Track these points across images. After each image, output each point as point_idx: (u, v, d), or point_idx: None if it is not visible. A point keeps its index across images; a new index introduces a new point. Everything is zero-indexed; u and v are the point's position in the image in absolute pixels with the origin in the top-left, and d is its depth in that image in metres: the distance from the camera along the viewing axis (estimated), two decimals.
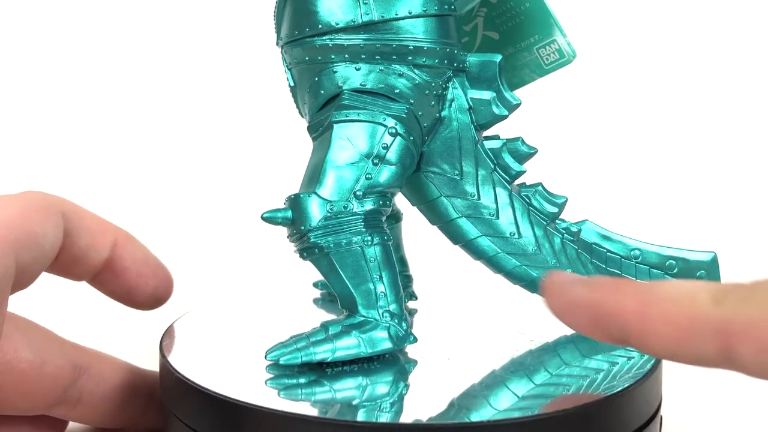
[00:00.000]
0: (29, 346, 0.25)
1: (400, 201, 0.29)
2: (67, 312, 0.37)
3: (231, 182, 0.59)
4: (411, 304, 0.31)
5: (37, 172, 0.59)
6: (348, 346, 0.24)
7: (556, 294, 0.21)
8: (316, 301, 0.32)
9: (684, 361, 0.18)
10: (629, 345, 0.19)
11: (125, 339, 0.35)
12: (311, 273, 0.31)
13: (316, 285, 0.33)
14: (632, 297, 0.19)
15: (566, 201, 0.28)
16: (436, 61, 0.25)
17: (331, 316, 0.30)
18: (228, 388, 0.23)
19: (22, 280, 0.25)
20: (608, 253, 0.28)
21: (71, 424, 0.28)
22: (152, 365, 0.29)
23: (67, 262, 0.27)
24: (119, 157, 0.61)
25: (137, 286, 0.29)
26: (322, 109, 0.26)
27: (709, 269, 0.27)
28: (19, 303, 0.26)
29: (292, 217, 0.25)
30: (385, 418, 0.22)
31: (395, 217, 0.30)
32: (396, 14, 0.25)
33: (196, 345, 0.27)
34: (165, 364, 0.26)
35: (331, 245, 0.25)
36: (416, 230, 0.32)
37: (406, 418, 0.22)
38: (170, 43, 0.62)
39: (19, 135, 0.61)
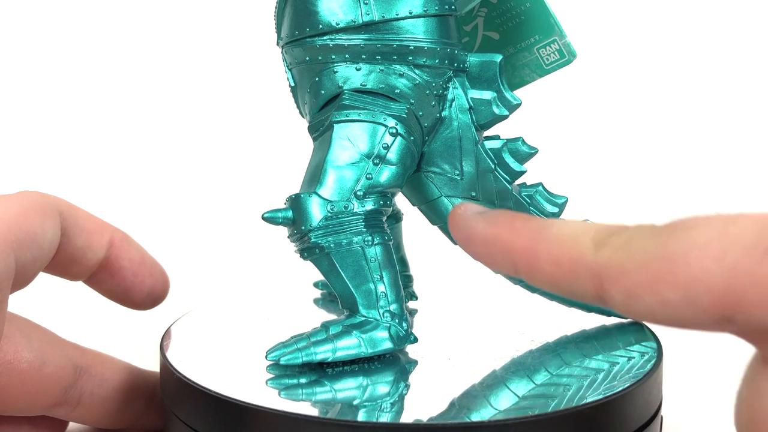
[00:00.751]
0: (30, 347, 0.25)
1: (401, 201, 0.29)
2: (68, 312, 0.37)
3: (231, 182, 0.59)
4: (411, 304, 0.31)
5: (33, 171, 0.59)
6: (349, 346, 0.24)
7: (460, 226, 0.23)
8: (316, 301, 0.32)
9: (565, 295, 0.20)
10: (520, 277, 0.21)
11: (126, 339, 0.35)
12: (311, 273, 0.31)
13: (316, 285, 0.33)
14: (524, 234, 0.21)
15: (567, 201, 0.28)
16: (437, 61, 0.25)
17: (332, 316, 0.30)
18: (229, 388, 0.23)
19: (21, 279, 0.25)
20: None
21: (71, 425, 0.28)
22: (153, 366, 0.29)
23: (64, 261, 0.27)
24: (118, 157, 0.61)
25: (133, 285, 0.29)
26: (323, 109, 0.26)
27: None
28: (19, 303, 0.26)
29: (293, 217, 0.25)
30: (385, 418, 0.22)
31: (395, 217, 0.30)
32: (397, 14, 0.25)
33: (196, 345, 0.27)
34: (166, 365, 0.26)
35: (332, 245, 0.25)
36: (416, 230, 0.32)
37: (406, 418, 0.22)
38: (170, 42, 0.62)
39: (15, 135, 0.61)
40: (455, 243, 0.28)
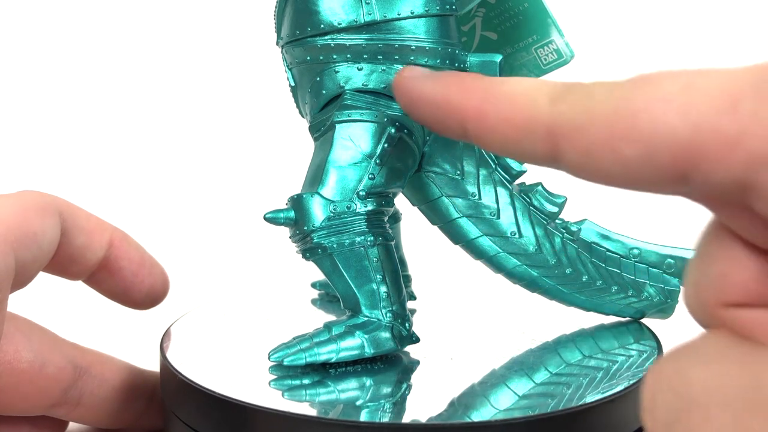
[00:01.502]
0: (30, 347, 0.25)
1: (400, 201, 0.29)
2: (68, 312, 0.37)
3: (232, 183, 0.59)
4: (410, 305, 0.31)
5: (32, 171, 0.59)
6: (352, 346, 0.24)
7: (405, 88, 0.22)
8: (314, 301, 0.32)
9: (516, 158, 0.19)
10: (468, 140, 0.20)
11: (126, 339, 0.35)
12: (311, 273, 0.31)
13: (314, 285, 0.33)
14: (474, 93, 0.20)
15: (566, 200, 0.28)
16: (438, 61, 0.25)
17: (331, 316, 0.30)
18: (230, 388, 0.23)
19: (21, 279, 0.25)
20: (607, 252, 0.28)
21: (71, 424, 0.28)
22: (153, 366, 0.29)
23: (63, 261, 0.27)
24: (118, 156, 0.61)
25: (133, 285, 0.29)
26: (324, 109, 0.26)
27: None
28: (19, 303, 0.26)
29: (295, 217, 0.25)
30: (388, 418, 0.22)
31: (394, 218, 0.30)
32: (398, 14, 0.25)
33: (196, 345, 0.27)
34: (166, 365, 0.26)
35: (334, 246, 0.25)
36: (416, 230, 0.32)
37: (408, 418, 0.22)
38: (169, 42, 0.62)
39: (14, 135, 0.61)
40: (456, 243, 0.28)
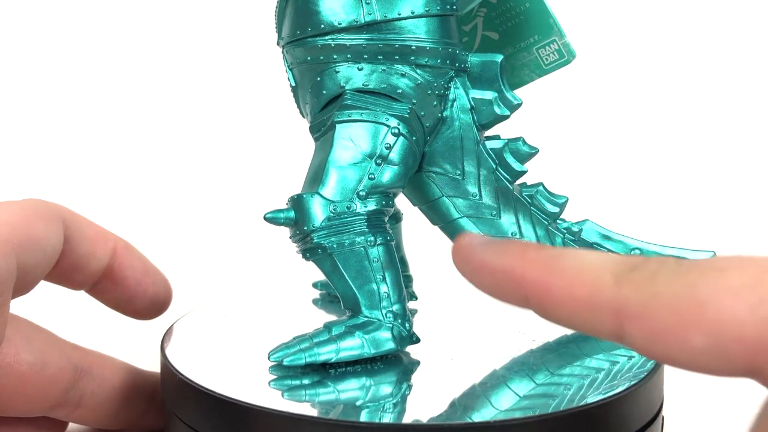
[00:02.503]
0: (30, 349, 0.25)
1: (400, 201, 0.29)
2: (68, 313, 0.37)
3: (232, 183, 0.59)
4: (411, 305, 0.31)
5: (35, 180, 0.59)
6: (352, 346, 0.24)
7: (465, 256, 0.21)
8: (315, 301, 0.32)
9: (580, 330, 0.19)
10: (531, 310, 0.20)
11: (126, 340, 0.35)
12: (311, 273, 0.31)
13: (315, 285, 0.33)
14: (537, 265, 0.19)
15: (567, 201, 0.28)
16: (438, 61, 0.25)
17: (332, 317, 0.30)
18: (231, 388, 0.23)
19: (23, 284, 0.25)
20: (609, 253, 0.28)
21: (71, 425, 0.28)
22: (153, 366, 0.29)
23: (67, 269, 0.27)
24: (119, 156, 0.61)
25: (136, 294, 0.29)
26: (324, 109, 0.26)
27: None
28: (20, 305, 0.26)
29: (295, 217, 0.25)
30: (388, 418, 0.22)
31: (395, 218, 0.30)
32: (398, 14, 0.25)
33: (197, 346, 0.27)
34: (166, 365, 0.26)
35: (335, 246, 0.25)
36: (416, 230, 0.32)
37: (409, 418, 0.22)
38: (169, 43, 0.62)
39: (16, 143, 0.61)
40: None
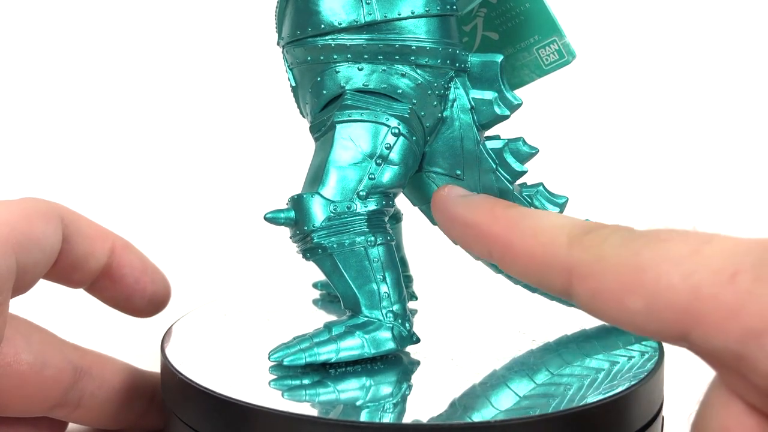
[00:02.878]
0: (30, 349, 0.25)
1: (400, 201, 0.29)
2: (68, 314, 0.37)
3: (232, 183, 0.59)
4: (411, 305, 0.31)
5: (33, 179, 0.59)
6: (352, 346, 0.24)
7: (440, 206, 0.24)
8: (315, 301, 0.32)
9: (535, 285, 0.21)
10: (494, 263, 0.22)
11: (126, 340, 0.35)
12: (311, 273, 0.31)
13: (315, 285, 0.33)
14: (501, 223, 0.22)
15: (567, 201, 0.28)
16: (439, 61, 0.25)
17: (332, 317, 0.30)
18: (231, 388, 0.23)
19: (22, 283, 0.25)
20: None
21: (71, 425, 0.28)
22: (153, 366, 0.29)
23: (66, 268, 0.27)
24: (118, 157, 0.61)
25: (135, 292, 0.29)
26: (324, 109, 0.26)
27: None
28: (19, 305, 0.26)
29: (295, 217, 0.25)
30: (388, 418, 0.22)
31: (395, 218, 0.30)
32: (399, 14, 0.25)
33: (197, 346, 0.27)
34: (166, 365, 0.26)
35: (335, 246, 0.25)
36: (416, 230, 0.32)
37: (409, 418, 0.22)
38: (169, 43, 0.62)
39: (15, 142, 0.61)
40: (456, 243, 0.28)
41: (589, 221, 0.21)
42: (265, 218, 0.25)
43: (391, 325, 0.25)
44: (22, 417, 0.26)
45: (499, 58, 0.26)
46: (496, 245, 0.21)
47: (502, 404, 0.23)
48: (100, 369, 0.27)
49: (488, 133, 0.28)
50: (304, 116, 0.28)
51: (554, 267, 0.20)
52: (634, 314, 0.18)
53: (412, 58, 0.25)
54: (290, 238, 0.25)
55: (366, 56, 0.25)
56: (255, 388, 0.24)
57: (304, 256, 0.25)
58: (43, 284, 0.27)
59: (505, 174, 0.27)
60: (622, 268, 0.18)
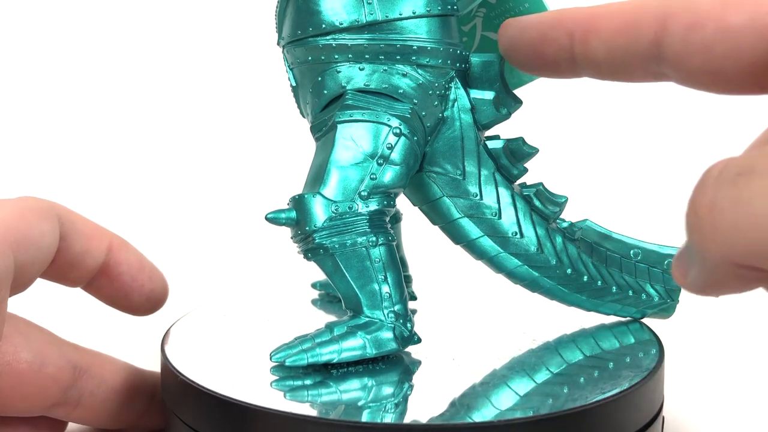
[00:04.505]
0: (29, 348, 0.25)
1: (401, 201, 0.29)
2: (67, 313, 0.37)
3: (232, 183, 0.59)
4: (411, 305, 0.31)
5: (30, 177, 0.59)
6: (354, 347, 0.24)
7: (512, 23, 0.24)
8: (314, 302, 0.32)
9: (620, 56, 0.21)
10: (572, 50, 0.22)
11: (126, 340, 0.35)
12: (311, 274, 0.31)
13: (314, 286, 0.33)
14: (581, 9, 0.22)
15: (567, 200, 0.28)
16: (440, 61, 0.25)
17: (332, 317, 0.30)
18: (232, 389, 0.23)
19: (20, 282, 0.25)
20: (608, 252, 0.28)
21: (71, 425, 0.28)
22: (153, 366, 0.29)
23: (63, 266, 0.27)
24: (118, 157, 0.61)
25: (132, 290, 0.29)
26: (325, 109, 0.26)
27: None
28: (18, 304, 0.25)
29: (297, 217, 0.25)
30: (390, 418, 0.22)
31: (395, 218, 0.30)
32: (400, 14, 0.25)
33: (197, 346, 0.27)
34: (167, 365, 0.25)
35: (336, 246, 0.25)
36: (416, 230, 0.32)
37: (410, 418, 0.22)
38: (169, 43, 0.62)
39: (12, 140, 0.61)
40: (457, 244, 0.28)
41: None
42: (266, 218, 0.25)
43: (392, 325, 0.25)
44: (21, 416, 0.26)
45: (499, 57, 0.27)
46: (578, 23, 0.21)
47: (502, 404, 0.23)
48: (100, 368, 0.27)
49: (488, 133, 0.28)
50: (304, 116, 0.28)
51: (644, 20, 0.19)
52: (735, 32, 0.18)
53: (414, 58, 0.25)
54: (291, 238, 0.25)
55: (367, 56, 0.25)
56: (256, 388, 0.23)
57: (306, 257, 0.25)
58: (42, 283, 0.27)
59: (505, 173, 0.27)
60: None
